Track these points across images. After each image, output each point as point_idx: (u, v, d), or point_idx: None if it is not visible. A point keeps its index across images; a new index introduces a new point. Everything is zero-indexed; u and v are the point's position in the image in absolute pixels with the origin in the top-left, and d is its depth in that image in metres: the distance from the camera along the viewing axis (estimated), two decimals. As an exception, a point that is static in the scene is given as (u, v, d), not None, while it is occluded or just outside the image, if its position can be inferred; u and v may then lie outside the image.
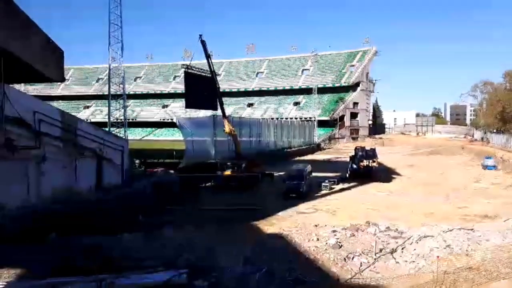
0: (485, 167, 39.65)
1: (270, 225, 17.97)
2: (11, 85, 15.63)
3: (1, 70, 13.32)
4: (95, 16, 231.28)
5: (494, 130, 69.75)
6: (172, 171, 28.29)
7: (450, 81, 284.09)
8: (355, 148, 35.90)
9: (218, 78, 43.83)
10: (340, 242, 14.82)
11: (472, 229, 16.15)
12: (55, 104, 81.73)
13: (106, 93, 48.17)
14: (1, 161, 14.33)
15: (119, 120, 45.01)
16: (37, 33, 14.59)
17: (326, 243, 14.72)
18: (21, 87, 61.48)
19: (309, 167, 28.60)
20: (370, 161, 32.34)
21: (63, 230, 15.10)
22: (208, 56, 30.14)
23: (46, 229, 14.88)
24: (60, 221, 15.44)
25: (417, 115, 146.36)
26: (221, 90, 34.16)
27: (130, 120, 77.58)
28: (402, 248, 14.43)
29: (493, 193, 26.99)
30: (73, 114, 35.56)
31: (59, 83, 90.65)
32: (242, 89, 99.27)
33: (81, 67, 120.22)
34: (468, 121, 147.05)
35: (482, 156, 44.49)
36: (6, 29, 12.90)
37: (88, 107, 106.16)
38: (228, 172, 28.94)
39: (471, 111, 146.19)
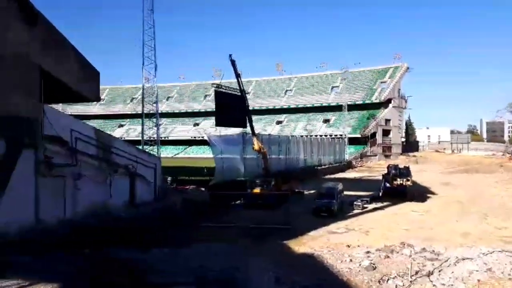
0: (527, 186, 37.85)
1: (301, 245, 17.66)
2: (49, 105, 16.32)
3: (41, 92, 13.96)
4: (129, 37, 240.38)
5: (536, 148, 66.79)
6: (202, 188, 28.50)
7: (485, 97, 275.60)
8: (388, 166, 35.07)
9: (248, 96, 44.25)
10: (374, 264, 14.36)
11: (515, 252, 15.32)
12: (91, 122, 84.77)
13: (140, 112, 49.49)
14: (40, 178, 14.86)
15: (152, 138, 46.05)
16: (75, 56, 15.29)
17: (360, 265, 14.29)
18: (59, 106, 64.28)
19: (340, 185, 28.11)
20: (404, 179, 31.43)
21: (97, 244, 15.42)
22: (237, 75, 30.55)
23: (81, 242, 15.24)
24: (94, 235, 15.79)
25: (452, 132, 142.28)
26: (250, 108, 34.46)
27: (163, 138, 79.19)
28: (439, 271, 13.82)
29: (536, 213, 25.59)
30: (108, 132, 36.79)
31: (95, 102, 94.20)
32: (271, 107, 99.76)
33: (116, 87, 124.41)
34: (506, 138, 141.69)
35: (523, 175, 42.53)
36: (51, 55, 13.62)
37: (122, 125, 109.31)
38: (257, 190, 28.84)
39: (509, 127, 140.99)
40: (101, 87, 18.29)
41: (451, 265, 14.28)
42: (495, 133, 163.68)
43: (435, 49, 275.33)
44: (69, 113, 57.75)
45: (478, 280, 12.19)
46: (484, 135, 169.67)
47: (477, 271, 13.47)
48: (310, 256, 15.61)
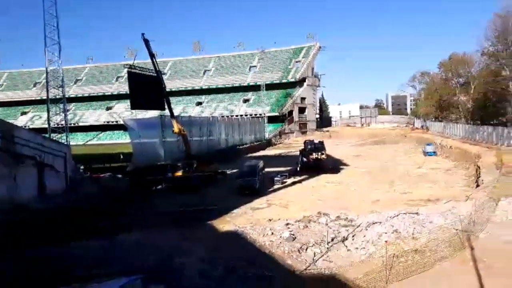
0: (426, 153, 42.01)
1: (225, 223, 17.91)
2: None
3: None
4: (29, 17, 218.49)
5: (433, 118, 73.81)
6: (119, 175, 27.39)
7: (391, 73, 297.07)
8: (304, 142, 36.58)
9: (164, 77, 42.94)
10: (293, 235, 15.06)
11: (416, 213, 16.99)
12: (-12, 111, 76.42)
13: (45, 97, 45.54)
14: None
15: (60, 125, 42.73)
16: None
17: (281, 237, 14.89)
18: None
19: (261, 163, 28.80)
20: (319, 153, 33.07)
21: (6, 242, 14.15)
22: (152, 55, 29.35)
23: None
24: (2, 232, 14.47)
25: (361, 107, 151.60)
26: (168, 89, 33.49)
27: (72, 125, 74.13)
28: (353, 236, 14.93)
29: (434, 177, 28.65)
30: (9, 121, 33.48)
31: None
32: (190, 88, 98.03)
33: (15, 71, 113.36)
34: (408, 111, 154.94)
35: (423, 143, 46.98)
36: None
37: (25, 113, 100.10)
38: (179, 173, 28.44)
39: (411, 100, 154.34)
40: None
41: (363, 230, 15.48)
42: (399, 106, 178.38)
43: (345, 28, 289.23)
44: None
45: (386, 241, 13.36)
46: (390, 109, 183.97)
47: (385, 233, 14.77)
48: (234, 233, 15.91)
